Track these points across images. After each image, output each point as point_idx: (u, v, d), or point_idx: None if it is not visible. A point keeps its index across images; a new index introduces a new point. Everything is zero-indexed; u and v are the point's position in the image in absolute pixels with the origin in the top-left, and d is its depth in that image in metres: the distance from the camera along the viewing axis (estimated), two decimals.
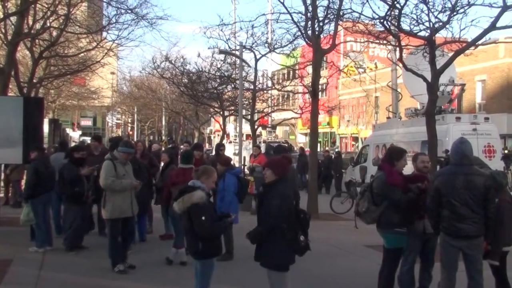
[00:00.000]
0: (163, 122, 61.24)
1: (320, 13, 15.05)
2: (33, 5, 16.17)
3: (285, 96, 34.15)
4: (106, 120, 73.29)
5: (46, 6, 17.72)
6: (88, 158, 9.95)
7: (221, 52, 22.74)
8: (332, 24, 15.42)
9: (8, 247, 9.59)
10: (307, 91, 20.53)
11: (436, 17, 11.80)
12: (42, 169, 9.39)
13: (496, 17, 10.69)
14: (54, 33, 19.62)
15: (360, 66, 29.76)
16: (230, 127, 46.44)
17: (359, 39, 18.95)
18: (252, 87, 25.23)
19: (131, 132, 68.36)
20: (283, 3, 15.55)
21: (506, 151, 19.97)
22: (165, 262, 8.68)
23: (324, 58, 17.95)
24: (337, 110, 41.67)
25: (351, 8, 14.12)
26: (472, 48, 12.08)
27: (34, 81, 20.85)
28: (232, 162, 10.48)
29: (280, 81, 33.26)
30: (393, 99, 22.49)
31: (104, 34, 21.64)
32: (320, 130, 36.00)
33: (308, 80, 21.72)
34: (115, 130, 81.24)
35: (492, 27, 10.77)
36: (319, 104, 16.56)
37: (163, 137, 59.66)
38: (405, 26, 12.24)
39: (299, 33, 16.59)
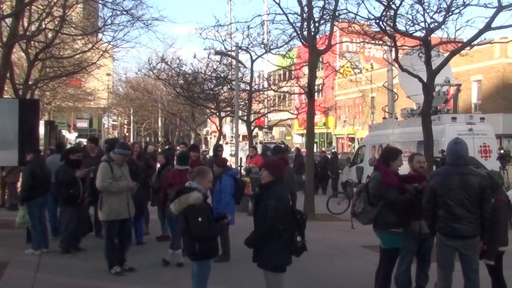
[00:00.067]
0: (159, 124, 61.21)
1: (316, 14, 15.10)
2: (28, 7, 16.14)
3: (281, 97, 34.14)
4: (102, 121, 73.14)
5: (42, 7, 17.69)
6: (85, 160, 9.93)
7: (217, 53, 22.72)
8: (328, 25, 15.45)
9: (4, 249, 9.56)
10: (303, 91, 20.58)
11: (431, 18, 11.82)
12: (38, 171, 9.37)
13: (491, 18, 10.71)
14: (50, 35, 19.58)
15: (356, 67, 29.72)
16: (227, 128, 46.42)
17: (355, 40, 19.02)
18: (248, 88, 25.21)
19: (127, 134, 68.22)
20: (278, 4, 15.60)
21: (501, 151, 20.00)
22: (162, 263, 8.67)
23: (320, 59, 17.98)
24: (333, 111, 41.71)
25: (346, 9, 14.10)
26: (468, 48, 12.08)
27: (30, 83, 20.81)
28: (228, 163, 10.48)
29: (276, 82, 33.22)
30: (389, 100, 22.56)
31: (100, 35, 21.66)
32: (317, 130, 36.02)
33: (304, 81, 21.73)
34: (111, 131, 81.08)
35: (487, 27, 10.79)
36: (315, 104, 16.58)
37: (160, 139, 59.58)
38: (400, 26, 12.25)
39: (295, 33, 16.64)
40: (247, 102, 25.87)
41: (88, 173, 9.47)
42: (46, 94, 34.91)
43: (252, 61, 24.01)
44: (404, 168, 7.16)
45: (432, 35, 12.00)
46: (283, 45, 21.57)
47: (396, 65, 13.45)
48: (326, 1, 14.74)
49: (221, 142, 28.01)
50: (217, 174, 8.82)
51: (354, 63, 22.57)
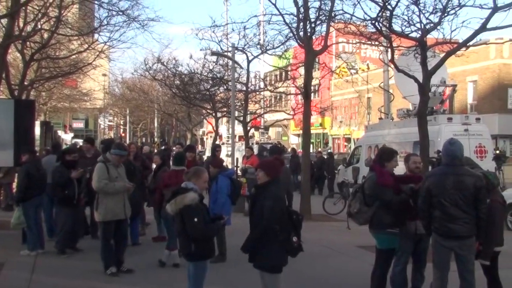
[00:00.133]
0: (156, 124, 61.17)
1: (312, 15, 15.14)
2: (24, 7, 16.09)
3: (278, 97, 34.19)
4: (98, 122, 73.06)
5: (37, 8, 17.64)
6: (81, 161, 9.91)
7: (213, 53, 22.73)
8: (324, 25, 15.47)
9: (0, 250, 9.53)
10: (299, 92, 20.56)
11: (427, 18, 11.84)
12: (33, 172, 9.34)
13: (486, 18, 10.74)
14: (45, 35, 19.53)
15: (352, 67, 29.79)
16: (223, 129, 46.41)
17: (351, 40, 19.03)
18: (244, 88, 25.23)
19: (123, 134, 68.15)
20: (275, 5, 15.61)
21: (497, 152, 20.10)
22: (158, 264, 8.66)
23: (316, 59, 18.01)
24: (330, 111, 41.75)
25: (342, 10, 14.18)
26: (463, 49, 12.12)
27: (25, 83, 20.73)
28: (224, 164, 10.47)
29: (273, 82, 33.24)
30: (385, 100, 22.55)
31: (96, 36, 21.62)
32: (313, 131, 36.01)
33: (300, 81, 21.72)
34: (107, 132, 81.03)
35: (483, 28, 10.82)
36: (311, 105, 16.61)
37: (156, 139, 59.58)
38: (396, 27, 12.27)
39: (291, 34, 16.64)
40: (243, 102, 25.88)
41: (84, 174, 9.45)
42: (42, 94, 34.84)
43: (248, 62, 24.06)
44: (400, 169, 7.17)
45: (428, 36, 12.03)
46: (279, 46, 21.65)
47: (392, 66, 13.47)
48: (322, 2, 14.80)
49: (217, 142, 27.98)
50: (213, 174, 8.82)
51: (350, 63, 22.66)
